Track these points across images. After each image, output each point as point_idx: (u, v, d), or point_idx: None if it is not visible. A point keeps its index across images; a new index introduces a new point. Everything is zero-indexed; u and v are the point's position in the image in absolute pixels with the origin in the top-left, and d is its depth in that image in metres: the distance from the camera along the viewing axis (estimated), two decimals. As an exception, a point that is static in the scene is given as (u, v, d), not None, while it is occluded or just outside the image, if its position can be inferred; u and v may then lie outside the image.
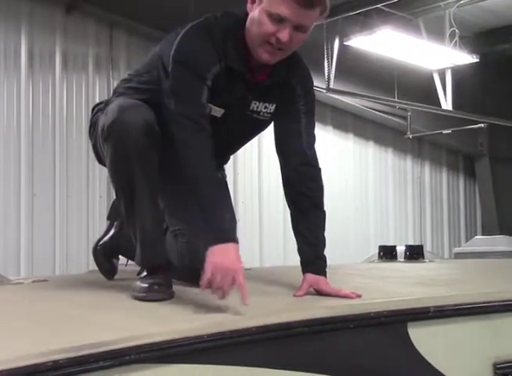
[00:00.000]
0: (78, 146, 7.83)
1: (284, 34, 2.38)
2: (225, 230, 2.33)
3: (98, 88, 8.08)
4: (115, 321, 1.85)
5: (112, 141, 2.40)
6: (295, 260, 2.91)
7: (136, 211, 2.43)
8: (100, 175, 7.98)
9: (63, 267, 7.58)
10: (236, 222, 2.80)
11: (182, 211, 2.71)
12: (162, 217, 2.66)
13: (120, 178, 2.45)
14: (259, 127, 2.78)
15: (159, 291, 2.28)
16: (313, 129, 2.79)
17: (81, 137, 7.84)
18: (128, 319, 1.88)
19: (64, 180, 7.69)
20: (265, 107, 2.66)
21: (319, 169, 2.75)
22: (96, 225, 7.90)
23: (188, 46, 2.44)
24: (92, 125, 2.76)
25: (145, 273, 2.40)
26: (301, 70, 2.77)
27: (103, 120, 2.47)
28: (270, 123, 2.76)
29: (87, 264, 7.56)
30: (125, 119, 2.37)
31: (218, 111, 2.55)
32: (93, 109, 2.84)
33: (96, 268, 3.04)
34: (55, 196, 7.62)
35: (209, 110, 2.49)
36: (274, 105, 2.67)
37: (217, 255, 2.22)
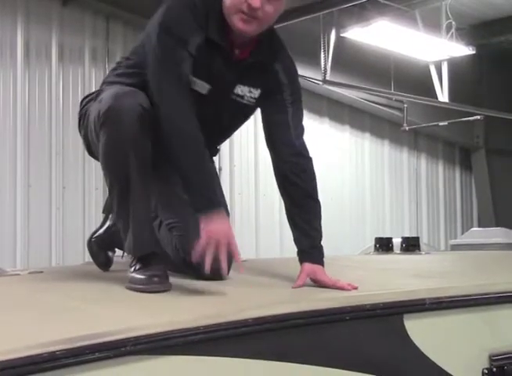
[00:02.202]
0: (74, 138, 7.81)
1: (254, 0, 2.39)
2: (216, 197, 2.41)
3: (94, 80, 8.06)
4: (111, 313, 1.85)
5: (108, 126, 2.39)
6: (291, 252, 2.91)
7: (130, 199, 2.42)
8: (96, 167, 7.95)
9: (59, 258, 7.58)
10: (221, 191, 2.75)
11: (175, 204, 2.72)
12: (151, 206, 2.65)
13: (115, 165, 2.45)
14: (244, 113, 2.78)
15: (158, 282, 2.28)
16: (301, 119, 2.81)
17: (78, 129, 7.83)
18: (124, 311, 1.88)
19: (60, 171, 7.69)
20: (250, 91, 2.67)
21: (310, 159, 2.77)
22: (92, 217, 7.89)
23: (173, 14, 2.48)
24: (82, 117, 2.76)
25: (139, 265, 2.39)
26: (284, 56, 2.77)
27: (98, 107, 2.46)
28: (255, 109, 2.76)
29: (83, 255, 7.55)
30: (122, 104, 2.37)
31: (202, 86, 2.56)
32: (82, 101, 2.83)
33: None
34: (51, 187, 7.61)
35: (193, 84, 2.52)
36: (258, 90, 2.68)
37: (212, 223, 2.30)
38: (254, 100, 2.69)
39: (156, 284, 2.27)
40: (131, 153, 2.39)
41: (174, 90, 2.42)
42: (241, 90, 2.66)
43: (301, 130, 2.79)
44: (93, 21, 8.13)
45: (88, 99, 2.77)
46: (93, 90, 7.47)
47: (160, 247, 2.59)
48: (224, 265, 2.28)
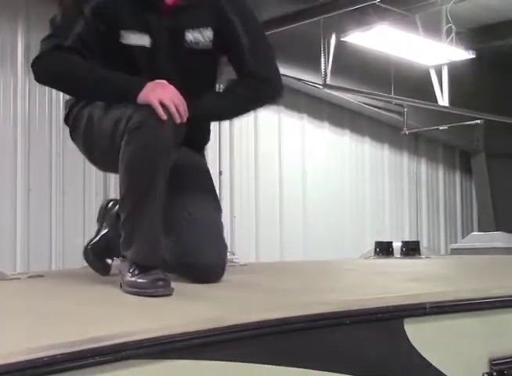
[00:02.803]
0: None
1: None
2: (135, 78, 2.46)
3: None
4: (111, 316, 1.85)
5: (143, 131, 2.37)
6: (291, 256, 2.92)
7: (147, 208, 2.42)
8: (96, 172, 7.96)
9: (59, 262, 7.57)
10: None
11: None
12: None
13: (140, 172, 2.43)
14: (208, 61, 2.77)
15: (162, 286, 2.28)
16: (263, 43, 2.81)
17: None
18: (124, 315, 1.88)
19: (60, 176, 7.68)
20: (201, 34, 2.67)
21: (268, 81, 2.77)
22: (92, 222, 7.85)
23: None
24: (78, 123, 2.74)
25: (139, 270, 2.37)
26: None
27: (126, 111, 2.43)
28: (218, 57, 2.78)
29: (83, 259, 7.55)
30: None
31: (141, 39, 2.60)
32: (69, 108, 2.81)
33: (93, 264, 3.04)
34: (51, 191, 7.61)
35: (127, 38, 2.57)
36: (210, 29, 2.68)
37: (151, 89, 2.38)
38: (210, 43, 2.68)
39: (160, 288, 2.27)
40: (160, 160, 2.41)
41: (68, 58, 2.56)
42: (193, 36, 2.66)
43: (265, 52, 2.79)
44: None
45: (80, 106, 2.75)
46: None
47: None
48: (181, 109, 2.35)
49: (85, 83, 2.57)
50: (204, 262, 2.61)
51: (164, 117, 2.33)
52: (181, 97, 2.39)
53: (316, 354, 1.92)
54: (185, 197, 2.75)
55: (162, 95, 2.35)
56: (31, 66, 2.62)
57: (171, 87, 2.41)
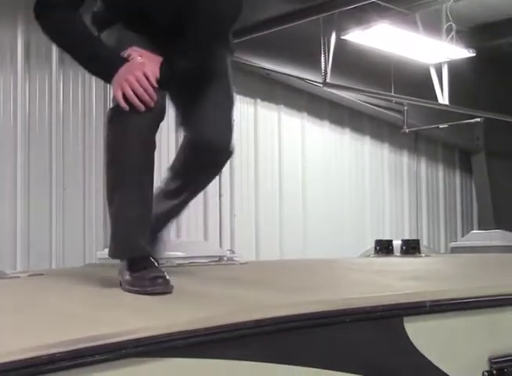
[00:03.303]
0: (75, 140, 7.83)
1: None
2: (114, 54, 2.53)
3: (94, 82, 8.06)
4: (111, 315, 1.85)
5: (112, 126, 2.48)
6: (291, 254, 2.92)
7: (120, 202, 2.48)
8: (96, 169, 7.97)
9: (60, 261, 7.57)
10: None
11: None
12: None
13: (115, 168, 2.48)
14: None
15: (162, 283, 2.29)
16: None
17: (78, 131, 7.84)
18: (124, 313, 1.88)
19: (60, 173, 7.68)
20: None
21: None
22: (92, 220, 7.89)
23: None
24: None
25: (135, 268, 2.37)
26: None
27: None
28: None
29: (83, 257, 7.56)
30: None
31: None
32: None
33: (92, 261, 3.04)
34: (51, 189, 7.61)
35: None
36: None
37: (119, 75, 2.45)
38: None
39: (159, 286, 2.27)
40: (136, 151, 2.46)
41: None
42: None
43: None
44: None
45: None
46: (93, 92, 7.46)
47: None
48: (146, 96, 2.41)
49: (76, 55, 2.63)
50: (219, 139, 2.79)
51: (126, 108, 2.39)
52: (150, 73, 2.45)
53: (315, 352, 1.92)
54: (209, 92, 2.83)
55: (125, 83, 2.42)
56: (36, 17, 2.67)
57: (139, 65, 2.47)
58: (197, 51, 2.68)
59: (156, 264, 2.44)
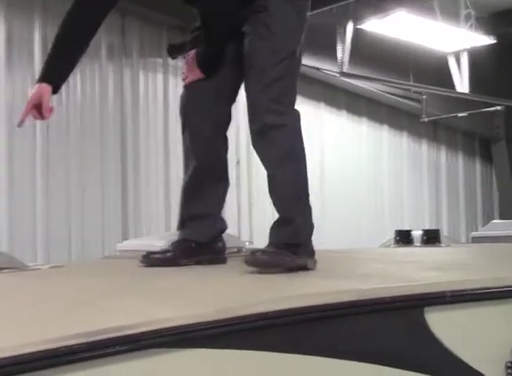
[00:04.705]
0: (92, 134, 7.85)
1: None
2: (43, 72, 2.90)
3: (110, 76, 8.08)
4: (131, 306, 1.85)
5: None
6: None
7: None
8: (114, 162, 8.00)
9: (79, 253, 7.61)
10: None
11: None
12: None
13: None
14: None
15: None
16: None
17: (95, 123, 7.86)
18: (144, 304, 1.88)
19: (79, 167, 7.71)
20: None
21: None
22: (111, 212, 7.92)
23: None
24: None
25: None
26: None
27: None
28: None
29: (102, 250, 7.60)
30: None
31: None
32: None
33: (111, 253, 3.07)
34: (70, 182, 7.64)
35: None
36: None
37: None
38: None
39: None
40: None
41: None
42: None
43: None
44: (108, 17, 8.11)
45: None
46: (109, 86, 7.52)
47: None
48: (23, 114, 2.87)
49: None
50: None
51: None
52: (36, 98, 2.86)
53: (335, 343, 1.91)
54: None
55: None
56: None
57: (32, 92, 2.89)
58: (208, 35, 2.82)
59: None
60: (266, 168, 2.88)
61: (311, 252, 2.80)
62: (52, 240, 7.47)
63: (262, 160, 2.88)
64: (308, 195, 2.88)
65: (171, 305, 1.91)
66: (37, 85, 2.88)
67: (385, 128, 11.49)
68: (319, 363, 1.84)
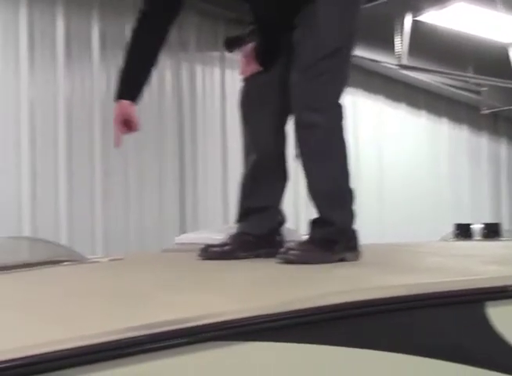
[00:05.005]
0: (150, 127, 7.91)
1: None
2: (120, 88, 2.97)
3: (168, 70, 8.14)
4: (194, 298, 1.87)
5: None
6: (367, 238, 2.91)
7: None
8: (173, 156, 8.06)
9: (138, 246, 7.69)
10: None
11: None
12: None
13: None
14: None
15: None
16: None
17: (153, 118, 7.92)
18: (207, 297, 1.89)
19: (138, 161, 7.79)
20: None
21: None
22: (169, 205, 7.99)
23: None
24: None
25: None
26: None
27: None
28: None
29: (160, 243, 7.66)
30: None
31: None
32: None
33: (170, 246, 3.10)
34: (128, 175, 7.72)
35: None
36: None
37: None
38: None
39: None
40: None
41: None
42: None
43: None
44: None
45: None
46: (167, 80, 7.63)
47: None
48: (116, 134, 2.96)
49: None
50: None
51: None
52: (121, 115, 2.94)
53: (395, 337, 1.90)
54: None
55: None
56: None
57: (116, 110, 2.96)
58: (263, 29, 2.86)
59: None
60: (302, 163, 2.87)
61: (351, 247, 2.78)
62: (111, 233, 7.57)
63: (300, 154, 2.88)
64: (349, 192, 2.85)
65: (230, 297, 1.93)
66: (117, 104, 2.95)
67: (444, 120, 11.37)
68: (378, 357, 1.83)
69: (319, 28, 2.77)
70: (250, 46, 2.93)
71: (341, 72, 2.88)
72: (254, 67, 2.92)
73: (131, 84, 2.99)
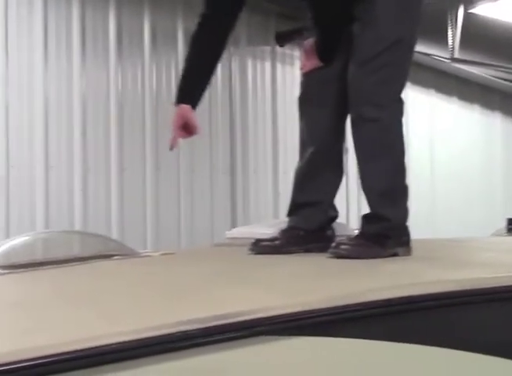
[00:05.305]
0: (201, 122, 7.92)
1: None
2: (180, 93, 3.06)
3: (219, 64, 8.15)
4: (244, 293, 1.87)
5: None
6: (418, 233, 2.89)
7: None
8: (223, 150, 8.09)
9: (188, 241, 7.73)
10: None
11: None
12: None
13: None
14: None
15: None
16: None
17: (203, 112, 7.95)
18: (257, 291, 1.90)
19: (188, 154, 7.82)
20: None
21: None
22: (220, 199, 8.02)
23: None
24: None
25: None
26: None
27: None
28: None
29: (211, 237, 7.69)
30: None
31: None
32: None
33: (220, 241, 3.11)
34: (179, 170, 7.76)
35: None
36: None
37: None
38: None
39: None
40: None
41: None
42: None
43: None
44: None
45: None
46: (219, 74, 7.66)
47: None
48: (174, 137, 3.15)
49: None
50: None
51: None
52: (181, 119, 3.07)
53: (447, 333, 1.88)
54: None
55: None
56: None
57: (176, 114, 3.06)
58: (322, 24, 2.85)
59: None
60: (357, 159, 2.85)
61: (403, 243, 2.76)
62: (161, 227, 7.62)
63: (355, 150, 2.86)
64: (404, 189, 2.83)
65: (282, 292, 1.93)
66: (177, 107, 3.03)
67: (498, 115, 11.21)
68: (427, 353, 1.82)
69: (378, 21, 2.75)
70: (310, 41, 2.92)
71: (402, 66, 2.85)
72: (314, 62, 2.91)
73: (191, 90, 3.05)
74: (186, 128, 3.06)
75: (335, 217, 3.10)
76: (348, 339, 1.68)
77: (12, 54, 6.63)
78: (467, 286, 1.99)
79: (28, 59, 6.75)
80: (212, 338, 1.47)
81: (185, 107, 3.01)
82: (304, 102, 3.05)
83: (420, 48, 9.02)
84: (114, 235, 6.93)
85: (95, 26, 7.27)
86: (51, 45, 6.92)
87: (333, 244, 2.66)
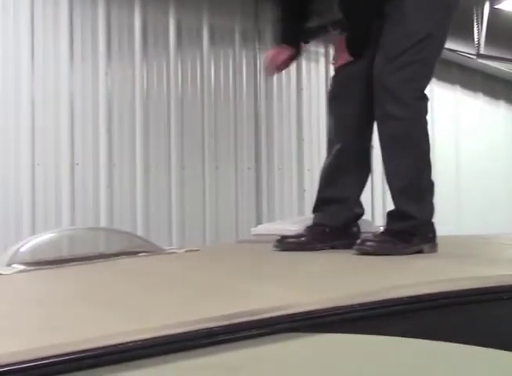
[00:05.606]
0: (226, 119, 7.95)
1: None
2: (281, 36, 3.19)
3: (244, 61, 8.16)
4: (267, 290, 1.87)
5: None
6: (445, 230, 2.87)
7: None
8: (247, 146, 8.09)
9: (213, 237, 7.74)
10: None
11: None
12: None
13: None
14: None
15: None
16: None
17: (229, 109, 7.96)
18: (279, 289, 1.90)
19: (213, 151, 7.84)
20: None
21: None
22: (244, 197, 8.02)
23: None
24: None
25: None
26: None
27: None
28: None
29: (236, 234, 7.70)
30: None
31: None
32: None
33: (245, 238, 3.11)
34: (204, 167, 7.78)
35: None
36: None
37: None
38: None
39: None
40: None
41: None
42: None
43: None
44: (242, 3, 8.20)
45: None
46: (243, 71, 7.65)
47: None
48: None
49: None
50: None
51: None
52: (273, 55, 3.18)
53: (471, 330, 1.87)
54: None
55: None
56: None
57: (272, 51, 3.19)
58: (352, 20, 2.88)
59: None
60: (382, 155, 2.84)
61: (428, 239, 2.75)
62: (186, 224, 7.64)
63: (380, 146, 2.85)
64: (430, 185, 2.81)
65: (305, 289, 1.93)
66: (276, 46, 3.20)
67: (523, 110, 11.14)
68: (451, 350, 1.81)
69: (407, 17, 2.74)
70: (341, 36, 2.92)
71: (429, 63, 2.84)
72: (345, 58, 2.90)
73: (287, 32, 3.18)
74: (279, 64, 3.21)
75: (361, 214, 3.09)
76: (371, 336, 1.68)
77: (37, 53, 6.68)
78: (494, 283, 1.98)
79: (54, 57, 6.80)
80: (235, 335, 1.47)
81: (284, 47, 3.16)
82: (333, 98, 3.06)
83: (445, 44, 9.00)
84: (139, 232, 6.96)
85: (121, 24, 7.30)
86: (76, 43, 6.96)
87: (359, 241, 2.65)
